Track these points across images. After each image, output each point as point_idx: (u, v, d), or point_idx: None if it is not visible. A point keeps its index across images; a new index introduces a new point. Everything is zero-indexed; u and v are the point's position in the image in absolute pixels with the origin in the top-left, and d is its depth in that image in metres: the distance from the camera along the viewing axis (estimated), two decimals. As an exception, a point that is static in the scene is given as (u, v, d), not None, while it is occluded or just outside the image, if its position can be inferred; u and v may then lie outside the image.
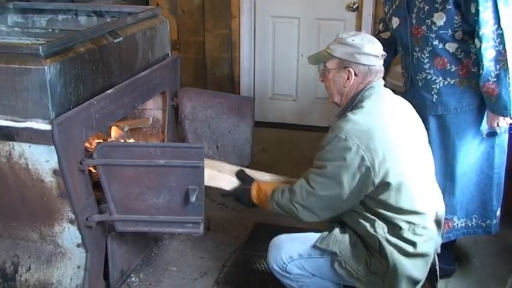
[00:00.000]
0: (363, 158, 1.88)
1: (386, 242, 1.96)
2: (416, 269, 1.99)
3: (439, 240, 2.13)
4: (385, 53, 2.05)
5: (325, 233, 2.08)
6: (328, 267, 2.04)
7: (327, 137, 1.98)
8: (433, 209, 2.07)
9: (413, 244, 1.97)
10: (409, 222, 1.97)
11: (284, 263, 2.08)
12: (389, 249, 1.96)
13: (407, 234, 1.97)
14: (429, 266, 2.07)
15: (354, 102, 2.03)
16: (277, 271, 2.11)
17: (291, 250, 2.08)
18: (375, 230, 1.98)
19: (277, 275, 2.14)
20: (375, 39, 2.04)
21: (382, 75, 2.07)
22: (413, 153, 2.01)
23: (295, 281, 2.10)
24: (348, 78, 2.02)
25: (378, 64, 2.03)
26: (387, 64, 2.63)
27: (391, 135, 1.95)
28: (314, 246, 2.06)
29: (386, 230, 1.98)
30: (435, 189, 2.14)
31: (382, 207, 1.97)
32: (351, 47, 1.99)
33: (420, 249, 1.98)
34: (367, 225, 1.99)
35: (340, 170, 1.91)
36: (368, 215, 1.99)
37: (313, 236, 2.09)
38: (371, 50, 2.00)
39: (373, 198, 1.96)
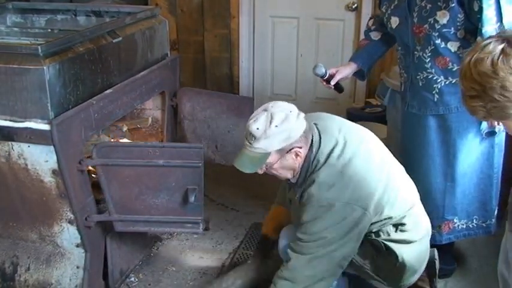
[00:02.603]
0: (352, 208, 1.87)
1: (391, 241, 2.02)
2: (424, 249, 2.11)
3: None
4: (295, 107, 1.92)
5: None
6: None
7: (308, 209, 1.89)
8: (416, 191, 2.14)
9: (416, 233, 2.05)
10: (410, 215, 2.04)
11: None
12: (397, 247, 2.02)
13: (410, 226, 2.02)
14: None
15: (309, 165, 1.94)
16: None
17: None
18: (378, 236, 2.03)
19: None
20: (283, 106, 1.89)
21: (308, 123, 1.92)
22: (381, 159, 2.02)
23: None
24: (296, 156, 1.91)
25: (305, 121, 1.90)
26: (370, 65, 2.61)
27: (359, 165, 1.91)
28: None
29: (392, 231, 2.02)
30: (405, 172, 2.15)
31: (385, 222, 2.01)
32: (281, 132, 1.83)
33: (423, 232, 2.09)
34: (371, 233, 2.03)
35: (341, 229, 1.88)
36: (371, 228, 2.01)
37: None
38: (295, 120, 1.86)
39: (374, 222, 1.98)
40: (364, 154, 1.96)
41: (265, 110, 1.88)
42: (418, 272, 2.12)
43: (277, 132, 1.83)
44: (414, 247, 2.06)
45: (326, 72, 2.44)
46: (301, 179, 1.98)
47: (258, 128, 1.84)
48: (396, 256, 2.03)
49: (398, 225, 2.03)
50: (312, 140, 1.94)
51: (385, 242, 2.03)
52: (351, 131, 2.05)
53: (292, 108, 1.91)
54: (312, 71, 2.46)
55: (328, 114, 2.14)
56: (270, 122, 1.84)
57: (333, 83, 2.47)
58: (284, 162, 1.92)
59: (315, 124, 2.00)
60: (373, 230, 2.02)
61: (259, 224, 3.08)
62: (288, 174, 1.98)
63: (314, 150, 1.93)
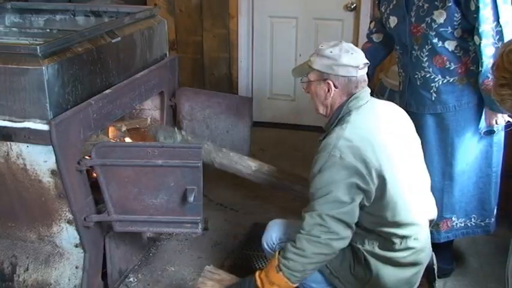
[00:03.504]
0: (360, 173, 1.84)
1: (372, 256, 1.97)
2: (405, 278, 1.99)
3: (431, 250, 2.10)
4: (367, 62, 2.00)
5: None
6: None
7: (319, 158, 1.90)
8: (427, 220, 2.07)
9: (403, 256, 1.96)
10: (402, 237, 1.95)
11: (273, 243, 2.15)
12: (375, 262, 1.96)
13: (398, 247, 1.96)
14: (421, 274, 2.06)
15: (339, 114, 1.99)
16: (267, 250, 2.19)
17: (282, 233, 2.13)
18: (362, 245, 1.98)
19: (267, 254, 2.22)
20: (356, 49, 1.99)
21: (365, 84, 2.02)
22: (407, 163, 1.98)
23: None
24: (328, 90, 1.99)
25: (359, 74, 1.98)
26: (374, 67, 2.61)
27: (383, 147, 1.90)
28: None
29: (376, 245, 1.97)
30: (429, 197, 2.12)
31: (378, 224, 1.95)
32: (328, 58, 1.96)
33: (411, 259, 1.98)
34: (356, 239, 1.98)
35: (345, 189, 1.86)
36: (360, 230, 1.97)
37: None
38: (349, 61, 1.95)
39: (370, 213, 1.93)
40: (396, 152, 1.94)
41: (343, 42, 2.01)
42: None
43: (327, 56, 1.96)
44: (395, 271, 1.97)
45: None
46: (329, 125, 2.03)
47: (322, 46, 2.01)
48: (371, 272, 1.96)
49: (385, 241, 1.96)
50: (356, 94, 1.98)
51: (366, 254, 1.97)
52: (403, 134, 2.03)
53: (356, 53, 1.98)
54: None
55: (398, 107, 2.14)
56: (331, 47, 1.98)
57: None
58: (318, 89, 2.02)
59: (372, 95, 2.04)
60: (361, 229, 1.96)
61: (258, 224, 3.08)
62: (320, 107, 2.07)
63: (352, 102, 1.98)
